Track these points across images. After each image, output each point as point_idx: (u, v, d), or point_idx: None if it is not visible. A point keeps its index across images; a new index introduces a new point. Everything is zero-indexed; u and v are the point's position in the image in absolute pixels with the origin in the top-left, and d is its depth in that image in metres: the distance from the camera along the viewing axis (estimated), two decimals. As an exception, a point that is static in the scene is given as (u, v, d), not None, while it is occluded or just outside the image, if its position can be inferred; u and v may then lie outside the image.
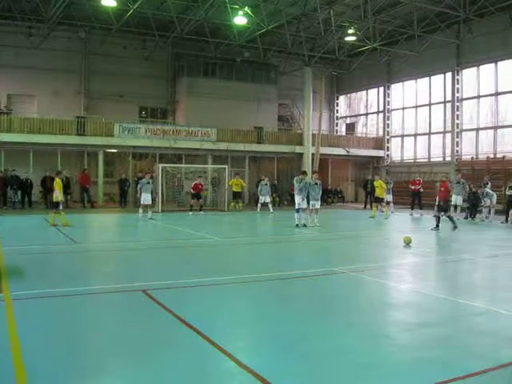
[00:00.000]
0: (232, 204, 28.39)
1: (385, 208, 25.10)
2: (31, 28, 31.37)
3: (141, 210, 22.24)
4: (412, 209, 26.66)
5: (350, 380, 4.95)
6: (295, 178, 19.94)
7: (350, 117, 44.41)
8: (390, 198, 27.20)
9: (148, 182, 22.52)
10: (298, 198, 19.24)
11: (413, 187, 26.99)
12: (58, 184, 18.86)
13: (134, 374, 5.02)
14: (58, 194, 18.77)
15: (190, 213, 25.63)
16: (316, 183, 19.49)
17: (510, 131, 30.88)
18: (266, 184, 27.30)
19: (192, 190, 26.51)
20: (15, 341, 5.78)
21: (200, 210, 26.13)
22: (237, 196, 28.52)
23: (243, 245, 15.33)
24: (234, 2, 28.30)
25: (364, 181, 34.75)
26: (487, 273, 11.28)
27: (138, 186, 22.82)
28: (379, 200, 25.15)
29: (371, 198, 32.24)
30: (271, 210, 26.70)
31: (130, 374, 5.06)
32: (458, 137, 33.60)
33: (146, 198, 22.15)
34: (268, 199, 27.05)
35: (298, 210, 19.30)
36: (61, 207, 19.01)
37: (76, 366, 5.17)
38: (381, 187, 24.85)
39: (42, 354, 5.43)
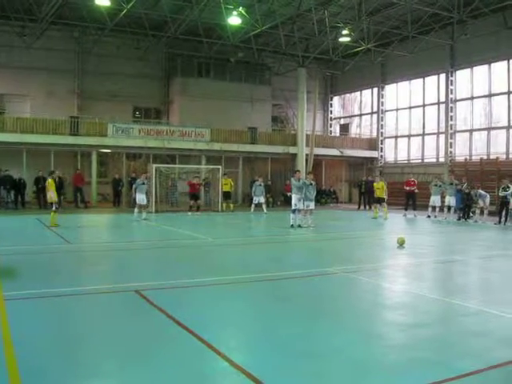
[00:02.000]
0: (224, 205, 28.40)
1: (384, 209, 24.95)
2: (24, 27, 31.18)
3: (137, 210, 22.11)
4: (406, 209, 26.59)
5: (344, 380, 4.95)
6: (292, 179, 19.90)
7: (344, 117, 44.47)
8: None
9: (143, 183, 22.49)
10: (294, 198, 19.14)
11: (407, 188, 26.90)
12: (50, 184, 18.67)
13: (128, 374, 5.00)
14: (52, 195, 18.61)
15: (189, 213, 25.54)
16: (311, 184, 19.46)
17: (503, 132, 31.00)
18: (260, 184, 27.29)
19: (189, 190, 26.53)
20: (8, 341, 5.74)
21: (197, 210, 26.13)
22: (226, 196, 28.53)
23: (237, 245, 15.31)
24: (228, 2, 28.26)
25: (358, 181, 34.83)
26: (480, 274, 11.30)
27: (133, 186, 22.79)
28: (380, 201, 25.11)
29: (365, 199, 32.33)
30: (265, 210, 26.69)
31: (123, 374, 5.04)
32: (451, 138, 33.70)
33: (140, 198, 22.08)
34: (262, 200, 27.03)
35: (294, 211, 19.28)
36: (54, 207, 18.63)
37: (69, 366, 5.14)
38: (382, 188, 24.88)
39: (35, 355, 5.39)
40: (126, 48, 34.42)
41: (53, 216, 18.12)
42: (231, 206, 28.37)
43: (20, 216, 23.22)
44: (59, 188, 27.82)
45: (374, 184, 26.15)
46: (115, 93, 34.09)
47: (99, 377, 5.01)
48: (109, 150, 32.20)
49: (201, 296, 8.28)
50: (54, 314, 7.06)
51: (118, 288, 8.65)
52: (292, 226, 19.07)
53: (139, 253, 13.30)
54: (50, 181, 18.85)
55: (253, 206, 27.08)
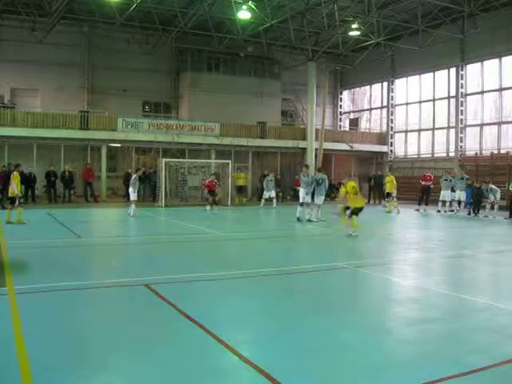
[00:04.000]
0: (237, 199, 28.47)
1: (390, 203, 24.85)
2: (35, 22, 31.28)
3: (133, 206, 21.56)
4: (419, 204, 26.30)
5: (353, 375, 4.95)
6: (301, 174, 19.89)
7: (354, 112, 44.29)
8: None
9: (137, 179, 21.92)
10: (302, 192, 19.20)
11: (423, 182, 26.53)
12: (15, 178, 17.34)
13: (137, 368, 5.02)
14: (14, 188, 17.14)
15: (208, 207, 25.46)
16: (322, 178, 19.45)
17: (514, 127, 30.80)
18: (272, 180, 27.26)
19: (206, 188, 26.53)
20: (19, 334, 5.80)
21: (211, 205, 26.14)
22: (240, 190, 28.60)
23: (246, 240, 15.33)
24: (238, -4, 28.27)
25: (368, 176, 34.77)
26: (491, 269, 11.26)
27: (131, 182, 22.05)
28: (388, 195, 25.04)
29: (375, 193, 32.24)
30: (274, 204, 26.66)
31: (132, 368, 5.06)
32: (461, 132, 33.50)
33: (135, 194, 21.57)
34: (273, 194, 27.01)
35: (301, 204, 19.35)
36: (17, 203, 17.24)
37: (79, 359, 5.18)
38: (391, 182, 24.73)
39: (45, 348, 5.44)
40: (136, 43, 34.44)
41: (9, 213, 17.06)
42: (244, 200, 28.45)
43: (30, 210, 23.27)
44: (69, 182, 28.08)
45: (386, 178, 25.98)
46: (125, 87, 34.12)
47: (109, 370, 5.04)
48: (118, 145, 32.26)
49: (210, 290, 8.30)
50: (64, 308, 7.10)
51: (128, 282, 8.68)
52: (298, 218, 19.08)
53: (148, 247, 13.34)
54: (15, 173, 17.55)
55: (263, 200, 27.07)
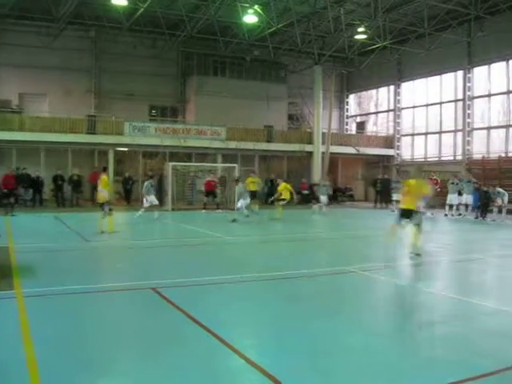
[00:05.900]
0: (251, 205, 28.19)
1: (317, 206, 25.01)
2: (42, 27, 31.46)
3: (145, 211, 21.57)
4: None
5: (360, 380, 4.94)
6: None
7: (360, 115, 44.27)
8: (398, 197, 27.05)
9: (152, 185, 22.01)
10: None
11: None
12: (102, 182, 16.04)
13: (144, 371, 5.03)
14: (101, 193, 16.01)
15: (203, 211, 25.46)
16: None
17: (521, 130, 30.67)
18: (325, 185, 26.96)
19: (204, 188, 26.48)
20: (27, 337, 5.82)
21: (217, 208, 26.08)
22: (252, 195, 28.36)
23: (253, 243, 15.31)
24: (244, 0, 28.28)
25: (374, 180, 34.69)
26: (498, 273, 11.21)
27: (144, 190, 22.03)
28: (282, 200, 23.77)
29: (381, 197, 32.15)
30: (324, 209, 26.25)
31: (139, 371, 5.07)
32: (469, 136, 33.39)
33: (152, 199, 21.57)
34: (324, 200, 26.58)
35: (238, 209, 21.27)
36: (106, 208, 15.98)
37: (87, 362, 5.19)
38: (286, 190, 23.51)
39: (53, 351, 5.46)
40: (143, 47, 34.56)
41: (102, 222, 15.95)
42: (257, 207, 28.16)
43: (38, 214, 23.36)
44: (77, 186, 28.18)
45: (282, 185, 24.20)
46: (132, 91, 34.24)
47: (116, 374, 5.06)
48: (125, 149, 32.36)
49: (217, 294, 8.31)
50: (72, 312, 7.12)
51: (135, 285, 8.70)
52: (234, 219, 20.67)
53: (155, 250, 13.36)
54: (103, 177, 16.17)
55: (318, 205, 26.61)
